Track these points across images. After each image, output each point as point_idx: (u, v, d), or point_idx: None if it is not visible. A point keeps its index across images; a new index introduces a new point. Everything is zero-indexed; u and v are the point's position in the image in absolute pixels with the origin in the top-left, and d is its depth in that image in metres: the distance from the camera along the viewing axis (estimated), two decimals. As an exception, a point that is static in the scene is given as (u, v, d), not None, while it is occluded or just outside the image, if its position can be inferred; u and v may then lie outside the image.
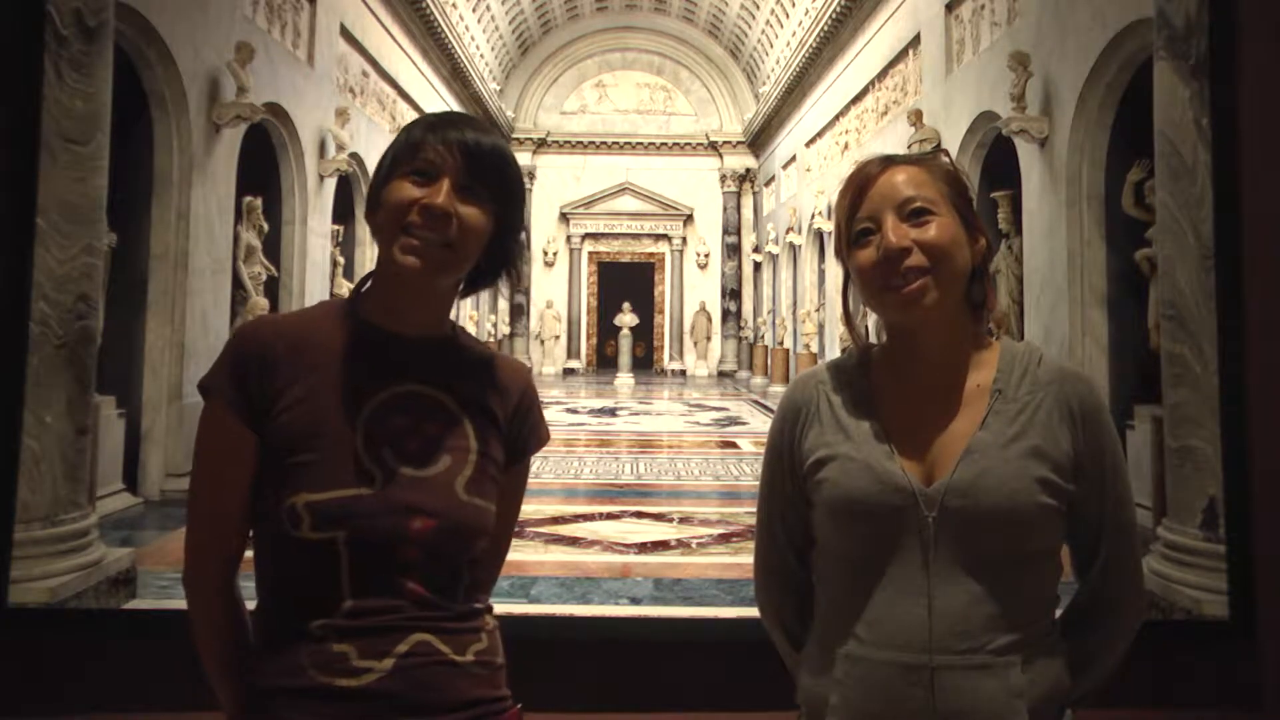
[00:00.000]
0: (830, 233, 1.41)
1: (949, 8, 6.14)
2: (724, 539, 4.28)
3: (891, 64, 7.42)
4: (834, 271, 1.34)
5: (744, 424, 8.22)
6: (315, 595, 1.15)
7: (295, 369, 1.18)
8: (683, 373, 12.10)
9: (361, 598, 1.15)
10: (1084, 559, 1.27)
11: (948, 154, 1.31)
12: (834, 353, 7.91)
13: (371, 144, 7.36)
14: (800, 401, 1.30)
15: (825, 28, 8.97)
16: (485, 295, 11.13)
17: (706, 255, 12.36)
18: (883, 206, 1.21)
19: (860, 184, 1.24)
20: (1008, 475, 1.16)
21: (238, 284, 5.38)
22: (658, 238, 12.47)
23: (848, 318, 1.32)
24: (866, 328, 1.33)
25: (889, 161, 1.25)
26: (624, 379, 11.20)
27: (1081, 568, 1.28)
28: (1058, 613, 1.26)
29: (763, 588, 1.39)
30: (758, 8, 11.07)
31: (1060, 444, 1.19)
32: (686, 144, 12.33)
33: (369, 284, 1.27)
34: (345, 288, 7.00)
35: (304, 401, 1.17)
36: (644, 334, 12.26)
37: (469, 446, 1.23)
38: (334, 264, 6.84)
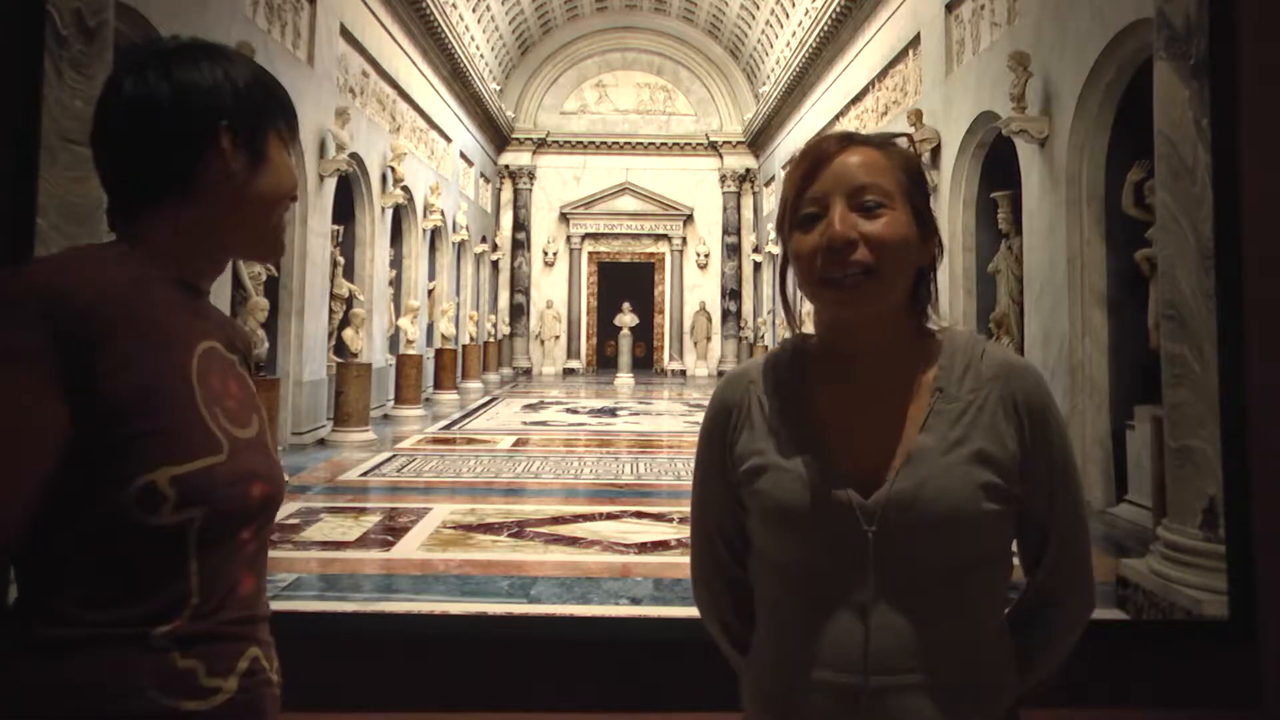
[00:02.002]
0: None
1: (949, 8, 6.15)
2: (724, 539, 4.28)
3: (891, 64, 7.42)
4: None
5: (744, 424, 8.22)
6: (159, 595, 0.97)
7: (114, 322, 0.98)
8: (683, 373, 12.10)
9: (206, 595, 0.99)
10: (1032, 557, 1.21)
11: (911, 140, 1.22)
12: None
13: (372, 144, 7.36)
14: (730, 403, 1.22)
15: (825, 28, 8.97)
16: (485, 295, 11.14)
17: (706, 255, 12.37)
18: (834, 190, 1.12)
19: (814, 161, 1.14)
20: (951, 484, 1.09)
21: (238, 283, 5.38)
22: (657, 238, 12.48)
23: (785, 302, 1.24)
24: (802, 315, 1.24)
25: (848, 141, 1.15)
26: (624, 379, 11.20)
27: (1030, 565, 1.22)
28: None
29: (702, 591, 1.31)
30: (758, 8, 11.07)
31: (1006, 444, 1.12)
32: (686, 144, 12.33)
33: (152, 226, 1.09)
34: (345, 288, 7.00)
35: (132, 361, 0.98)
36: (644, 334, 12.26)
37: (260, 405, 1.13)
38: (334, 264, 6.85)
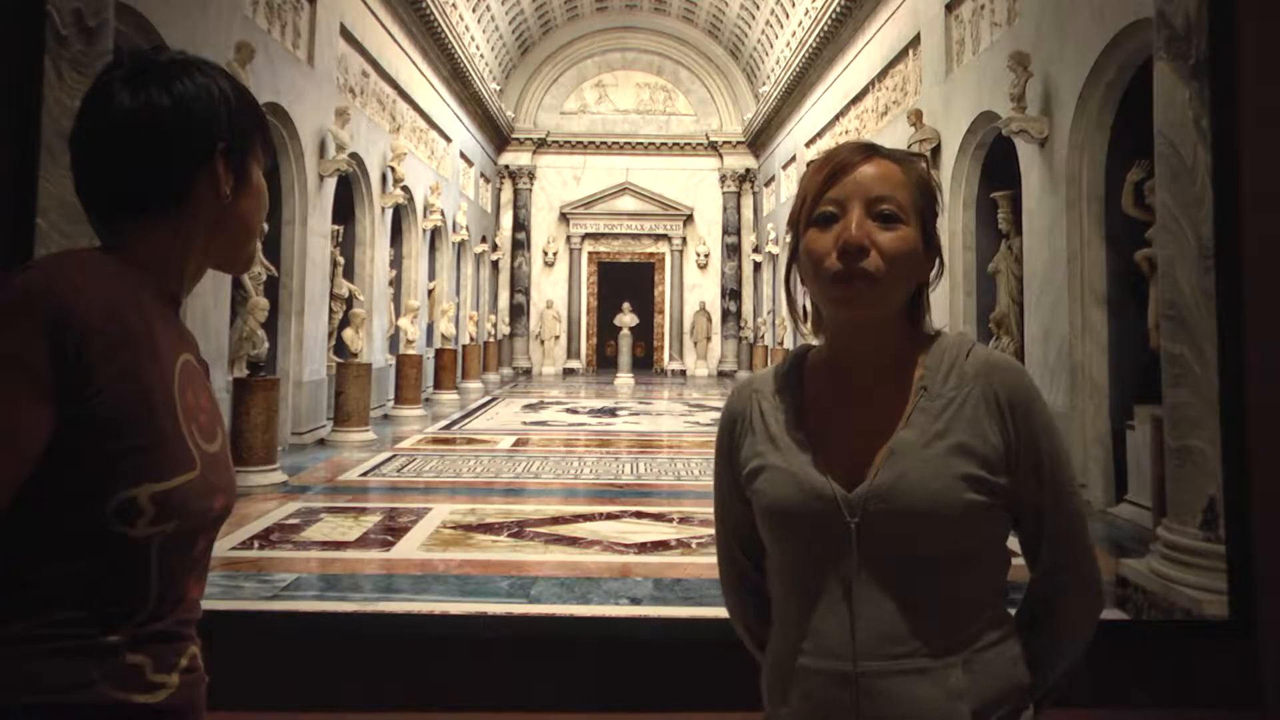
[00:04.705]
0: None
1: (949, 8, 6.14)
2: (724, 539, 4.28)
3: (891, 64, 7.42)
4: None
5: (744, 424, 8.21)
6: (120, 599, 1.00)
7: (111, 336, 0.99)
8: (683, 373, 12.10)
9: (161, 601, 1.03)
10: (1032, 552, 1.24)
11: (926, 160, 1.29)
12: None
13: (372, 144, 7.36)
14: (736, 412, 1.29)
15: (825, 28, 8.97)
16: (485, 295, 11.14)
17: (706, 255, 12.36)
18: (853, 196, 1.17)
19: (837, 167, 1.19)
20: (928, 475, 1.14)
21: (237, 284, 5.38)
22: (657, 238, 12.47)
23: (789, 296, 1.28)
24: (806, 309, 1.28)
25: (871, 152, 1.21)
26: (624, 379, 11.19)
27: (1032, 560, 1.25)
28: (1012, 610, 1.24)
29: (728, 596, 1.39)
30: (758, 8, 11.07)
31: (988, 438, 1.16)
32: (686, 144, 12.33)
33: (140, 238, 1.09)
34: (345, 288, 7.00)
35: (127, 376, 0.99)
36: (644, 334, 12.26)
37: (222, 416, 1.15)
38: (334, 264, 6.84)
